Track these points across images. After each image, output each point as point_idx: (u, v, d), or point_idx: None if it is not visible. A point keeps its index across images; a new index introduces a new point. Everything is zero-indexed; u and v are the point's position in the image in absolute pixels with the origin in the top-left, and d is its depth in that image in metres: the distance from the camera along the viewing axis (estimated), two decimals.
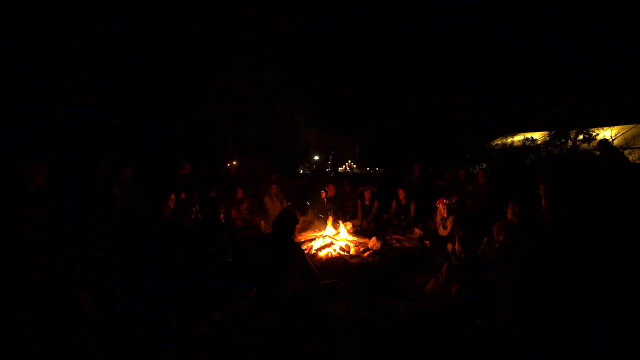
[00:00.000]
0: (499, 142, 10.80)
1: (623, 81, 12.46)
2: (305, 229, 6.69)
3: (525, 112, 12.12)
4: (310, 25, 14.44)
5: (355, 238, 6.17)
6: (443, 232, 5.69)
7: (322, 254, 5.22)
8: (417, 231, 6.29)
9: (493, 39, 15.42)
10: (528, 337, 1.11)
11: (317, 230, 6.48)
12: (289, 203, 7.50)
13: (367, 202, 7.43)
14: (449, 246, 4.94)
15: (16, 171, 2.53)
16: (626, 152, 7.30)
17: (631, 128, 9.50)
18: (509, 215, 5.02)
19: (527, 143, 9.08)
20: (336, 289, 3.57)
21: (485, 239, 4.35)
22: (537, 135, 9.70)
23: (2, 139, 7.25)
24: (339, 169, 15.83)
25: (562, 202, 1.23)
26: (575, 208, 1.19)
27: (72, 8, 9.48)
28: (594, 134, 8.25)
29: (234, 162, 11.08)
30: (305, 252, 4.64)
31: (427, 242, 5.63)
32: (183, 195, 6.00)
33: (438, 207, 5.74)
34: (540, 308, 1.10)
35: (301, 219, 4.18)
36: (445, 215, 5.64)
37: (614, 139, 8.64)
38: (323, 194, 7.42)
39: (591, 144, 7.97)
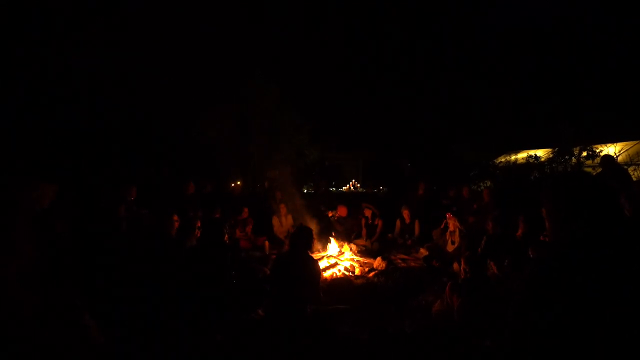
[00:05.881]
0: (503, 160, 10.80)
1: (627, 97, 12.54)
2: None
3: (528, 129, 12.15)
4: (314, 42, 14.75)
5: (360, 258, 6.13)
6: (450, 247, 5.66)
7: (326, 274, 5.18)
8: (423, 251, 6.24)
9: (496, 55, 15.64)
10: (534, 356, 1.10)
11: (321, 250, 6.45)
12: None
13: (371, 222, 7.40)
14: (455, 266, 4.91)
15: (24, 191, 2.55)
16: (630, 168, 7.27)
17: (635, 144, 9.48)
18: (519, 233, 5.03)
19: (531, 160, 9.08)
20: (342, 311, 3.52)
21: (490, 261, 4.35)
22: (541, 153, 9.70)
23: (5, 153, 7.35)
24: (343, 188, 15.83)
25: (565, 222, 1.23)
26: (579, 228, 1.19)
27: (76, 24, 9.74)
28: (597, 150, 8.25)
29: (238, 182, 11.11)
30: None
31: (435, 262, 5.58)
32: (189, 215, 6.00)
33: (446, 221, 5.74)
34: (547, 325, 1.09)
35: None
36: (452, 229, 5.63)
37: (618, 155, 8.62)
38: (330, 214, 7.39)
39: (595, 161, 7.95)
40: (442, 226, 6.42)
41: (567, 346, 1.04)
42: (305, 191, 12.94)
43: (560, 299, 1.07)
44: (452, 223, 5.68)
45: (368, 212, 7.42)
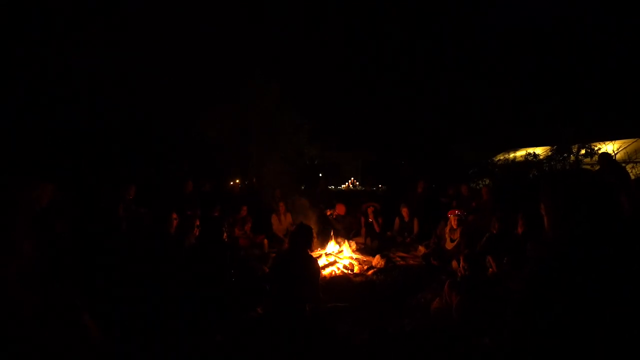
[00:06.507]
0: (502, 158, 10.78)
1: (625, 95, 12.55)
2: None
3: (528, 129, 12.15)
4: (314, 42, 14.75)
5: (359, 256, 6.13)
6: (450, 245, 5.65)
7: (325, 272, 5.18)
8: (422, 249, 6.25)
9: (496, 55, 15.63)
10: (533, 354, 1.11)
11: (320, 248, 6.45)
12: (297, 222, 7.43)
13: (370, 220, 7.39)
14: (454, 264, 4.91)
15: (24, 190, 2.55)
16: (629, 166, 7.27)
17: (633, 142, 9.49)
18: (518, 231, 5.03)
19: (530, 158, 9.07)
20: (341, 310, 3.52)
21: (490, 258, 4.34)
22: (540, 150, 9.69)
23: (5, 153, 7.33)
24: (342, 186, 15.83)
25: (564, 219, 1.23)
26: (578, 225, 1.19)
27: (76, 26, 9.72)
28: (596, 148, 8.24)
29: (237, 181, 11.11)
30: None
31: (434, 261, 5.57)
32: (187, 213, 5.99)
33: (449, 218, 5.73)
34: (547, 325, 1.09)
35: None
36: (455, 226, 5.62)
37: (616, 153, 8.62)
38: (329, 212, 7.37)
39: (593, 159, 7.95)
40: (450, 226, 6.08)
41: (567, 346, 1.05)
42: (304, 189, 12.95)
43: (560, 298, 1.07)
44: (453, 219, 5.66)
45: (370, 212, 7.39)
